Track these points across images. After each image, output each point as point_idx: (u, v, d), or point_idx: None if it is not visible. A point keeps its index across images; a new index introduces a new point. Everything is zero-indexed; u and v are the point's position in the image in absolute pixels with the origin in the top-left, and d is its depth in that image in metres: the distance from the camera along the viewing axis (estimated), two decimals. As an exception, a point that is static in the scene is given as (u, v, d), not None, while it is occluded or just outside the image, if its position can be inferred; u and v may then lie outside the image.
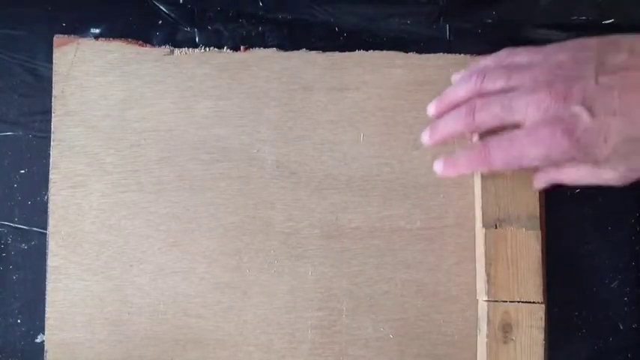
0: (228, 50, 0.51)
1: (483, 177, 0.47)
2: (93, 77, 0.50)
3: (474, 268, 0.50)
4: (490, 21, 0.53)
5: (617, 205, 0.52)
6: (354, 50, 0.51)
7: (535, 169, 0.45)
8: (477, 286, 0.49)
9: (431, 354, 0.50)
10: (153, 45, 0.51)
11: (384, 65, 0.51)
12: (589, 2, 0.53)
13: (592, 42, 0.38)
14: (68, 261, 0.49)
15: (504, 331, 0.46)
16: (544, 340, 0.45)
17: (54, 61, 0.50)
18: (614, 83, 0.35)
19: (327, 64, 0.51)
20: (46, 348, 0.48)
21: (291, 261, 0.50)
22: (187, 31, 0.51)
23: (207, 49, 0.51)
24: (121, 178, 0.49)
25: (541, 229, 0.48)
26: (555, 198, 0.51)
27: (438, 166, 0.45)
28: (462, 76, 0.45)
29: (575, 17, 0.53)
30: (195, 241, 0.50)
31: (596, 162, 0.37)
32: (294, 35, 0.52)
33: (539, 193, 0.48)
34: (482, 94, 0.41)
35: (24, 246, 0.50)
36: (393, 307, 0.50)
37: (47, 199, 0.49)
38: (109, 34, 0.51)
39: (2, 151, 0.50)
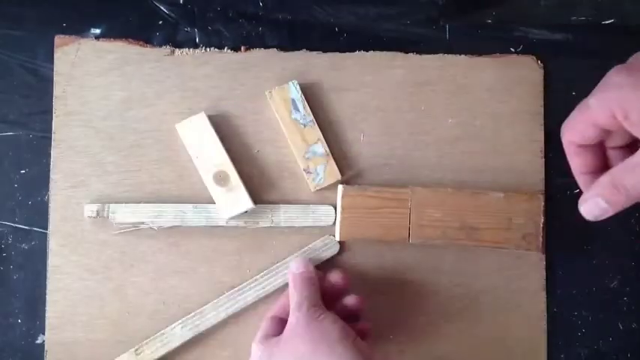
0: (229, 50, 0.51)
1: None
2: (94, 77, 0.50)
3: (474, 268, 0.50)
4: (489, 21, 0.53)
5: (617, 205, 0.52)
6: (354, 50, 0.51)
7: None
8: None
9: (431, 354, 0.50)
10: (153, 45, 0.51)
11: (384, 66, 0.52)
12: (589, 2, 0.54)
13: None
14: (68, 260, 0.49)
15: None
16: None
17: (55, 61, 0.50)
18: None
19: (327, 64, 0.51)
20: (46, 347, 0.48)
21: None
22: (188, 31, 0.51)
23: (208, 49, 0.51)
24: (122, 178, 0.50)
25: (543, 229, 0.49)
26: (555, 198, 0.51)
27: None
28: None
29: (575, 17, 0.53)
30: (195, 240, 0.50)
31: None
32: (294, 35, 0.52)
33: (540, 201, 0.49)
34: None
35: (24, 246, 0.50)
36: (393, 307, 0.50)
37: (48, 199, 0.49)
38: (110, 34, 0.51)
39: (3, 151, 0.50)
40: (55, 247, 0.49)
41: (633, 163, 0.33)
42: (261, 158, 0.51)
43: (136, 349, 0.48)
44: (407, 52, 0.52)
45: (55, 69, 0.50)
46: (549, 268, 0.51)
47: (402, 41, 0.52)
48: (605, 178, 0.34)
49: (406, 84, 0.52)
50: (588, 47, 0.53)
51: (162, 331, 0.48)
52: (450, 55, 0.52)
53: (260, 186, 0.50)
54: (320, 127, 0.50)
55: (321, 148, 0.49)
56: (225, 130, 0.50)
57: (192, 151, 0.49)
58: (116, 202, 0.49)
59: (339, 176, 0.50)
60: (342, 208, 0.49)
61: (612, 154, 0.37)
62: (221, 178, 0.48)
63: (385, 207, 0.48)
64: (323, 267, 0.49)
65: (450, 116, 0.52)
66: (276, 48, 0.51)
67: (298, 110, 0.50)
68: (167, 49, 0.51)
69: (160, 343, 0.48)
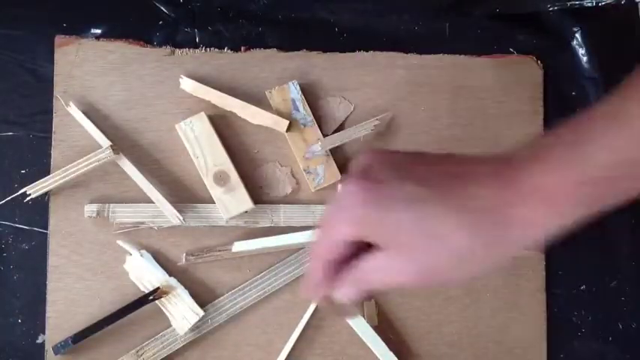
0: (229, 51, 0.51)
1: None
2: (94, 77, 0.50)
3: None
4: (490, 21, 0.53)
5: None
6: (354, 50, 0.51)
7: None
8: None
9: (431, 354, 0.50)
10: (153, 45, 0.51)
11: (384, 65, 0.52)
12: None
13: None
14: (68, 260, 0.49)
15: None
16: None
17: (55, 61, 0.50)
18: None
19: (328, 64, 0.51)
20: (46, 347, 0.48)
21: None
22: (188, 31, 0.51)
23: (208, 49, 0.51)
24: (122, 178, 0.49)
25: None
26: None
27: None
28: None
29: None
30: (195, 240, 0.50)
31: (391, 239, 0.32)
32: (295, 35, 0.52)
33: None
34: None
35: (24, 246, 0.49)
36: (393, 307, 0.50)
37: (48, 198, 0.49)
38: (110, 34, 0.51)
39: (3, 151, 0.50)
40: (55, 247, 0.49)
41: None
42: (261, 158, 0.51)
43: (137, 351, 0.48)
44: (407, 52, 0.52)
45: (55, 69, 0.50)
46: (549, 268, 0.51)
47: (402, 41, 0.52)
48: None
49: (406, 84, 0.52)
50: (588, 47, 0.53)
51: (162, 332, 0.48)
52: (450, 56, 0.52)
53: (260, 186, 0.50)
54: (320, 127, 0.50)
55: (321, 148, 0.50)
56: (225, 130, 0.50)
57: (192, 151, 0.49)
58: (116, 202, 0.49)
59: (339, 176, 0.50)
60: None
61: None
62: (221, 178, 0.48)
63: (385, 207, 0.48)
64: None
65: (450, 116, 0.52)
66: (276, 48, 0.51)
67: (298, 110, 0.50)
68: (167, 49, 0.51)
69: (161, 345, 0.48)
